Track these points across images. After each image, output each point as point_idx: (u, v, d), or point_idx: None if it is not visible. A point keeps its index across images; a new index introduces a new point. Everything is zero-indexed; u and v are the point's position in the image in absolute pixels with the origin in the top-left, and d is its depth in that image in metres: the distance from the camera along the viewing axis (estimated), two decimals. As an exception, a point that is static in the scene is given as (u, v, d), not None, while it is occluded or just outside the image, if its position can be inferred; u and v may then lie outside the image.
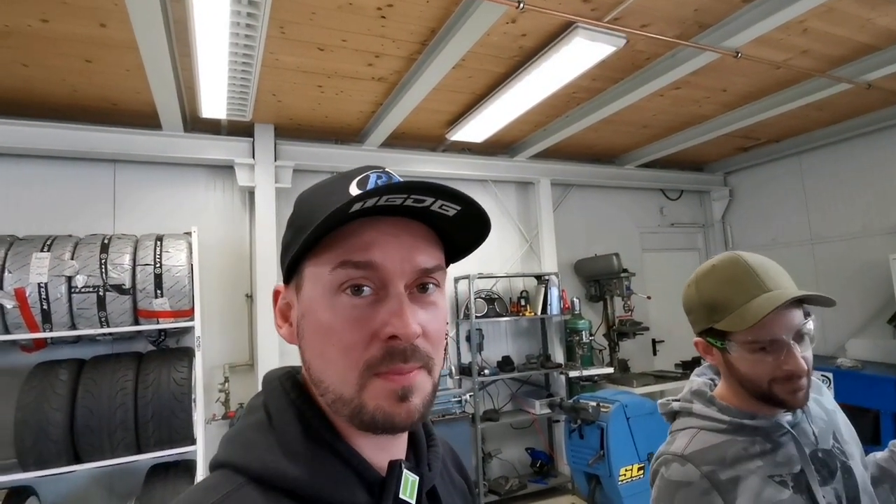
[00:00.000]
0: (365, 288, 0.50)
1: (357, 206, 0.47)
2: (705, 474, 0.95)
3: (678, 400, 1.13)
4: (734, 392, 1.04)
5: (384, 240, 0.51)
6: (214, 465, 0.51)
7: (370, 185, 0.53)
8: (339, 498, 0.49)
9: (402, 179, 0.53)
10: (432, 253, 0.54)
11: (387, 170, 0.56)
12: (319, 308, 0.51)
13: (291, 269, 0.56)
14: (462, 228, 0.54)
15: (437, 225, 0.54)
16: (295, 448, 0.50)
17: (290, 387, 0.55)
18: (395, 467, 0.53)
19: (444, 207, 0.50)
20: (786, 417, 1.01)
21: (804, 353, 0.96)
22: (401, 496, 0.52)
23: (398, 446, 0.57)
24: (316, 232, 0.48)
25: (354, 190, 0.52)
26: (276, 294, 0.59)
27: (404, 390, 0.49)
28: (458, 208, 0.51)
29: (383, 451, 0.55)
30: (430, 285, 0.54)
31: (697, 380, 1.13)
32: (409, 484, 0.53)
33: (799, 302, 0.98)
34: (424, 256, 0.52)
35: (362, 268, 0.50)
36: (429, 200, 0.49)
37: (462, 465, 0.74)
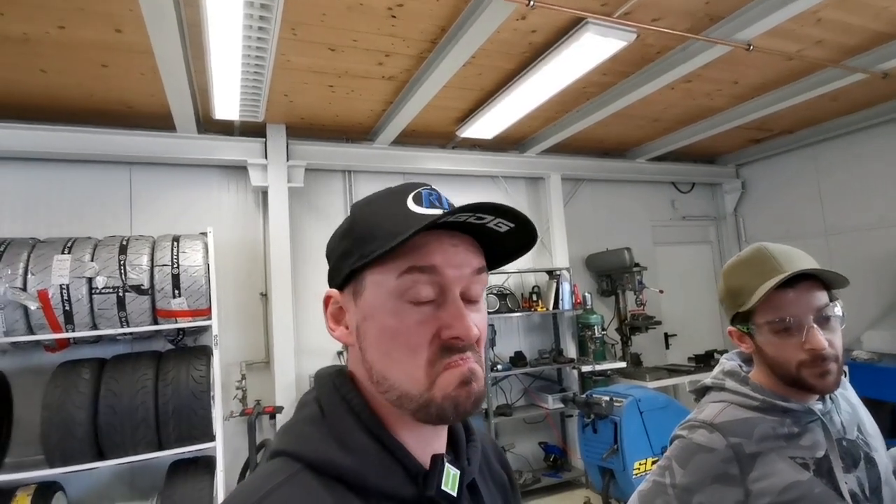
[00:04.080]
0: (427, 295, 0.55)
1: (439, 221, 0.52)
2: (731, 445, 0.98)
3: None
4: (767, 377, 1.06)
5: (444, 248, 0.56)
6: (273, 454, 0.56)
7: (424, 201, 0.58)
8: (385, 487, 0.53)
9: (436, 192, 0.59)
10: (480, 259, 0.59)
11: (432, 186, 0.61)
12: (384, 312, 0.55)
13: (349, 276, 0.59)
14: (505, 241, 0.59)
15: (480, 236, 0.59)
16: (345, 439, 0.54)
17: (341, 383, 0.59)
18: (437, 461, 0.56)
19: (498, 224, 0.56)
20: (817, 405, 1.03)
21: (829, 337, 0.97)
22: (443, 488, 0.55)
23: (439, 440, 0.61)
24: (398, 243, 0.52)
25: (412, 204, 0.57)
26: (328, 299, 0.63)
27: (470, 372, 0.54)
28: (512, 226, 0.56)
29: (426, 444, 0.58)
30: (477, 292, 0.59)
31: (729, 362, 1.15)
32: (451, 477, 0.57)
33: (824, 287, 1.00)
34: (476, 261, 0.58)
35: (428, 272, 0.55)
36: (488, 218, 0.54)
37: (504, 457, 0.78)
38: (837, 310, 1.00)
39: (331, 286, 0.63)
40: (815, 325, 0.97)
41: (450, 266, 0.55)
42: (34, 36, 2.50)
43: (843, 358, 1.00)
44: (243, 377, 3.72)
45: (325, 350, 4.07)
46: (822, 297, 0.99)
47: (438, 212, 0.54)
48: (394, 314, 0.55)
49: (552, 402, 4.42)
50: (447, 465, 0.57)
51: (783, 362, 1.00)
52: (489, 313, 4.36)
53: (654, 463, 3.38)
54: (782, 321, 0.98)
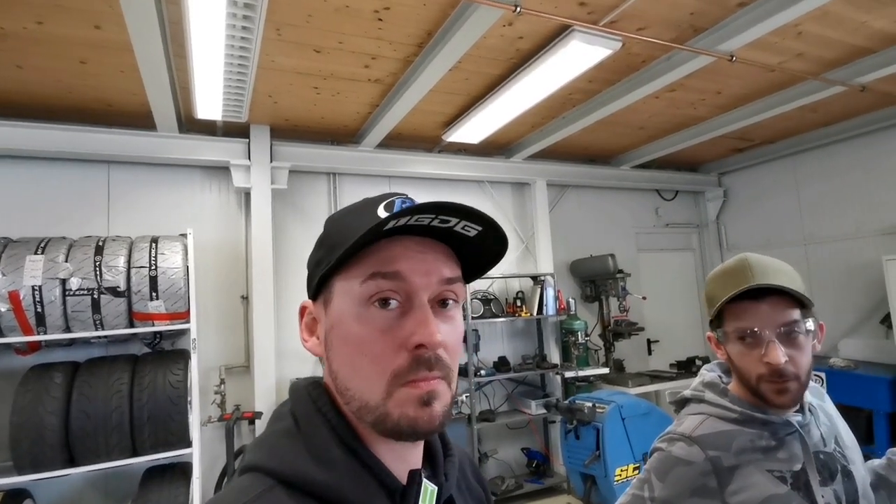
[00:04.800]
0: (392, 301, 0.53)
1: (391, 224, 0.50)
2: (710, 458, 0.98)
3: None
4: (744, 387, 1.06)
5: (410, 254, 0.54)
6: (244, 469, 0.53)
7: (396, 209, 0.55)
8: (362, 503, 0.51)
9: (410, 200, 0.57)
10: (453, 268, 0.57)
11: (408, 196, 0.59)
12: (349, 320, 0.54)
13: (320, 285, 0.58)
14: (480, 248, 0.57)
15: (456, 245, 0.57)
16: (321, 453, 0.52)
17: (317, 395, 0.57)
18: (415, 476, 0.55)
19: (466, 228, 0.53)
20: (796, 417, 1.03)
21: (792, 353, 0.97)
22: None
23: (415, 455, 0.59)
24: (353, 247, 0.51)
25: (382, 212, 0.56)
26: (303, 310, 0.62)
27: (428, 395, 0.51)
28: (480, 229, 0.54)
29: (402, 459, 0.56)
30: (450, 301, 0.56)
31: (709, 374, 1.15)
32: (429, 493, 0.55)
33: (799, 304, 0.99)
34: (447, 270, 0.56)
35: (391, 278, 0.53)
36: (453, 221, 0.52)
37: (479, 471, 0.76)
38: (809, 325, 0.99)
39: (308, 298, 0.62)
40: (776, 340, 0.97)
41: (416, 273, 0.53)
42: (11, 31, 2.44)
43: (807, 376, 0.99)
44: (222, 381, 3.66)
45: (305, 354, 4.02)
46: (791, 313, 0.98)
47: (407, 218, 0.52)
48: (357, 320, 0.53)
49: (535, 408, 4.41)
50: (425, 480, 0.55)
51: (745, 372, 1.01)
52: (473, 318, 4.35)
53: (635, 469, 3.40)
54: (744, 331, 1.00)
